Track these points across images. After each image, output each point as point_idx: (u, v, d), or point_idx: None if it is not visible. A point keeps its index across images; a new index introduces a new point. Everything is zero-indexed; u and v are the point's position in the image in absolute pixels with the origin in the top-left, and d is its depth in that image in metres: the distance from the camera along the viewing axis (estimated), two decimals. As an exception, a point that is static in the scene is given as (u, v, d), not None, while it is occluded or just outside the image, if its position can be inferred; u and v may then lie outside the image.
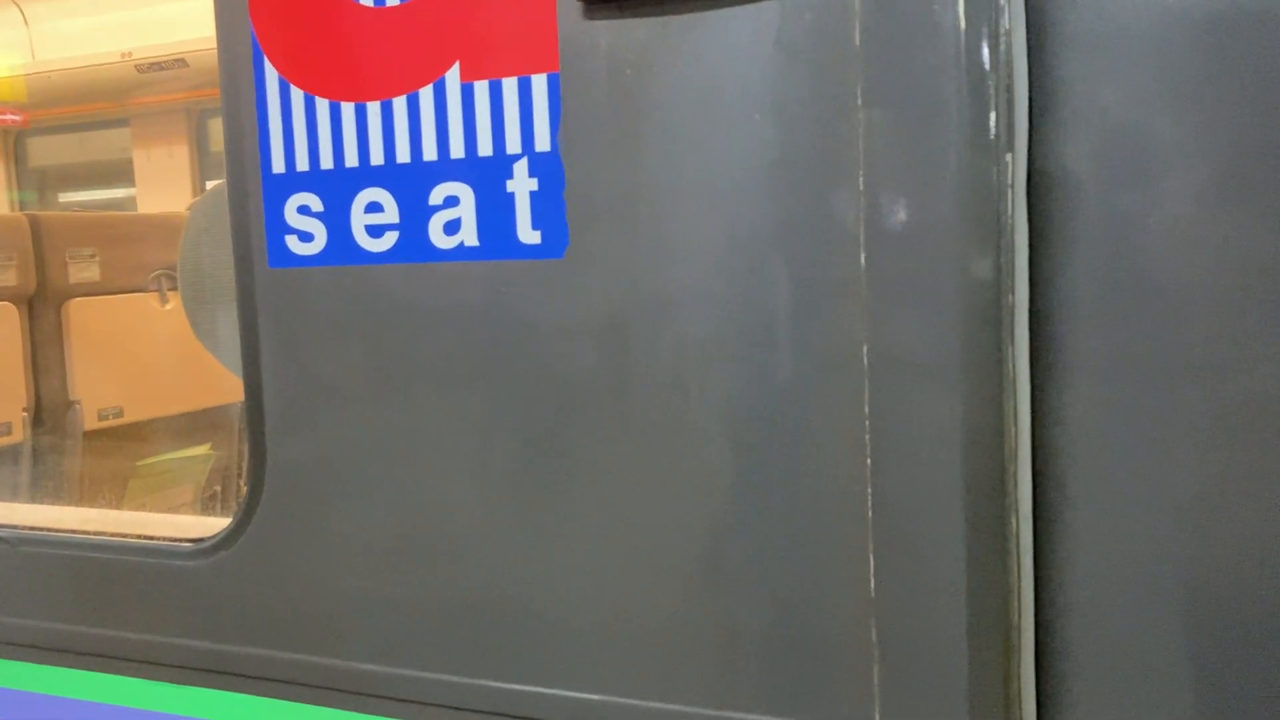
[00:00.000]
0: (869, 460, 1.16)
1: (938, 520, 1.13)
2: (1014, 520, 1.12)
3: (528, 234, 1.34)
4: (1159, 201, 1.09)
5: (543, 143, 1.32)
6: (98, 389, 4.67)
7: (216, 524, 1.63)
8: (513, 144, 1.33)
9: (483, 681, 1.42)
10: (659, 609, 1.32)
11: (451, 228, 1.38)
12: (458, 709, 1.43)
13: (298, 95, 1.44)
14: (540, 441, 1.36)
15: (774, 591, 1.26)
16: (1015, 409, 1.12)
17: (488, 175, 1.35)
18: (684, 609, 1.30)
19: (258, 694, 1.56)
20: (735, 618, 1.28)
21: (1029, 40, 1.11)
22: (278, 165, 1.46)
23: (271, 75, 1.45)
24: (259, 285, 1.50)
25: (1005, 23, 1.09)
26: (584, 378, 1.33)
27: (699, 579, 1.29)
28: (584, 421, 1.33)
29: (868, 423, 1.16)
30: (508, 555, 1.39)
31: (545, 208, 1.32)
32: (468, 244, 1.37)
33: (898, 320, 1.14)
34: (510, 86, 1.32)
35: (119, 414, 4.75)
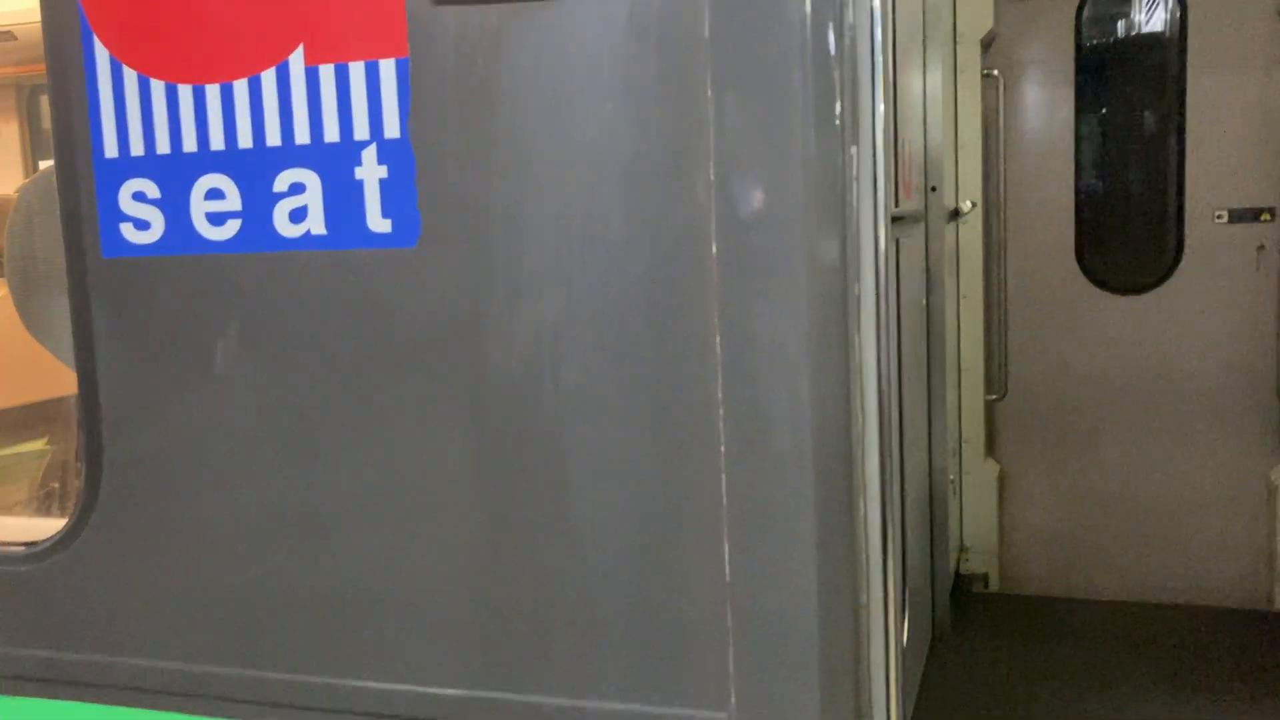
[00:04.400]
0: (723, 446, 1.18)
1: (789, 503, 1.16)
2: (861, 502, 1.16)
3: (378, 222, 1.31)
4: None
5: (392, 129, 1.29)
6: (-82, 383, 4.40)
7: (53, 525, 1.55)
8: (360, 130, 1.30)
9: (335, 680, 1.39)
10: (517, 600, 1.31)
11: (298, 215, 1.34)
12: (306, 709, 1.40)
13: (131, 76, 1.37)
14: (393, 432, 1.33)
15: (632, 579, 1.26)
16: (861, 392, 1.15)
17: (335, 162, 1.31)
18: (542, 599, 1.30)
19: (97, 702, 1.50)
20: (594, 607, 1.28)
21: (876, 35, 1.14)
22: (110, 150, 1.39)
23: (102, 55, 1.38)
24: (92, 275, 1.43)
25: (850, 16, 1.12)
26: (438, 367, 1.31)
27: (557, 569, 1.29)
28: (438, 411, 1.31)
29: (721, 409, 1.17)
30: (359, 548, 1.36)
31: (395, 195, 1.30)
32: (315, 232, 1.33)
33: (748, 305, 1.15)
34: (357, 71, 1.29)
35: (-58, 409, 4.48)
